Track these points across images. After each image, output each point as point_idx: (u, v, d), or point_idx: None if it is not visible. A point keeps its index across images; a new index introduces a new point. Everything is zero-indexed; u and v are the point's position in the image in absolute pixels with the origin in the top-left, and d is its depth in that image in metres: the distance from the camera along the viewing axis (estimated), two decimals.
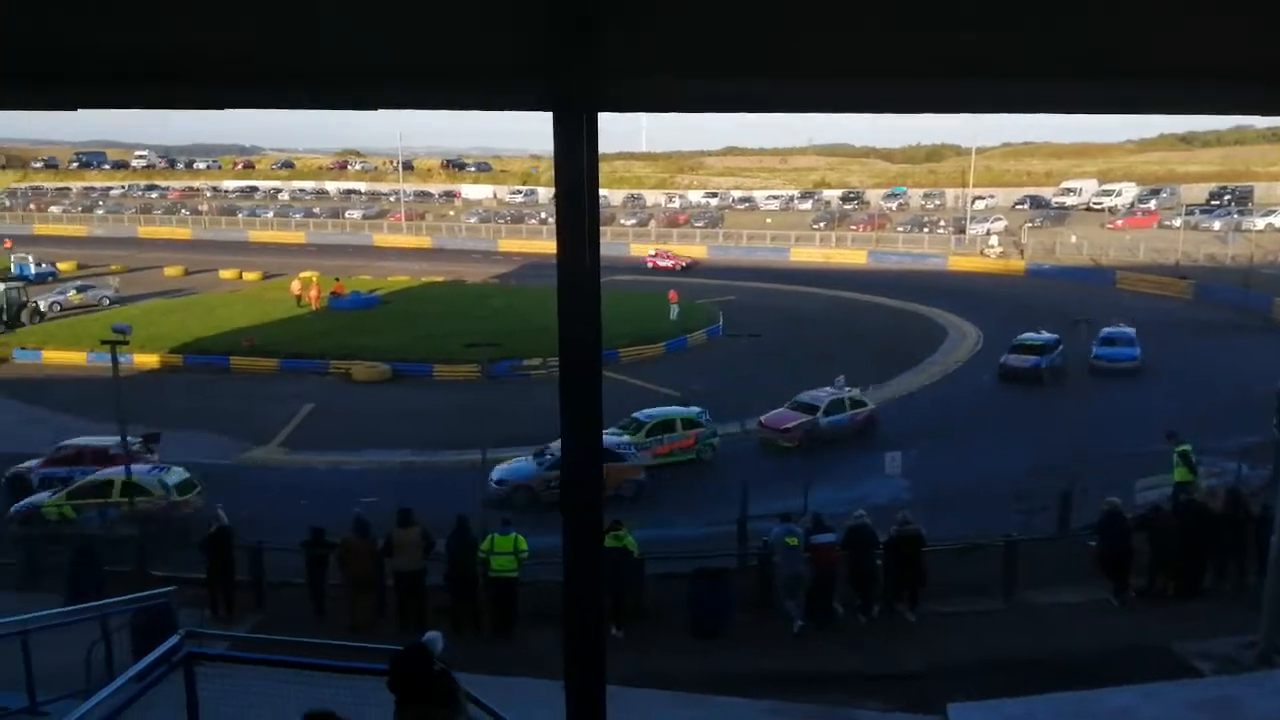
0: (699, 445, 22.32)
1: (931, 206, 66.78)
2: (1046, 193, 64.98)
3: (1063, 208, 61.73)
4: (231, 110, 2.03)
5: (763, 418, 23.59)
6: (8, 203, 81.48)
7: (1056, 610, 13.23)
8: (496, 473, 19.74)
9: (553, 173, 1.65)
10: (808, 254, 58.70)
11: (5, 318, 36.48)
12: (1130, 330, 29.73)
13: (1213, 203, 56.75)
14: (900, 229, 61.39)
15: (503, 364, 27.90)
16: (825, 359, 30.94)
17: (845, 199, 70.79)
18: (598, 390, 1.75)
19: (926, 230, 60.50)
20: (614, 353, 30.90)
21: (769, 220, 66.06)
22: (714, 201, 72.87)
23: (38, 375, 30.65)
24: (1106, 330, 28.81)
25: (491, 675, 9.59)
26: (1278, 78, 1.56)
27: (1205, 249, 48.43)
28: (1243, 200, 56.16)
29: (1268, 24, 1.47)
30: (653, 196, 76.29)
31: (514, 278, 51.93)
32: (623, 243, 60.74)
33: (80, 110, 1.97)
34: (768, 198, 72.38)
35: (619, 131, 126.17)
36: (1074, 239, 53.22)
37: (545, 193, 75.47)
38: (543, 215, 68.89)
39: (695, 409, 23.05)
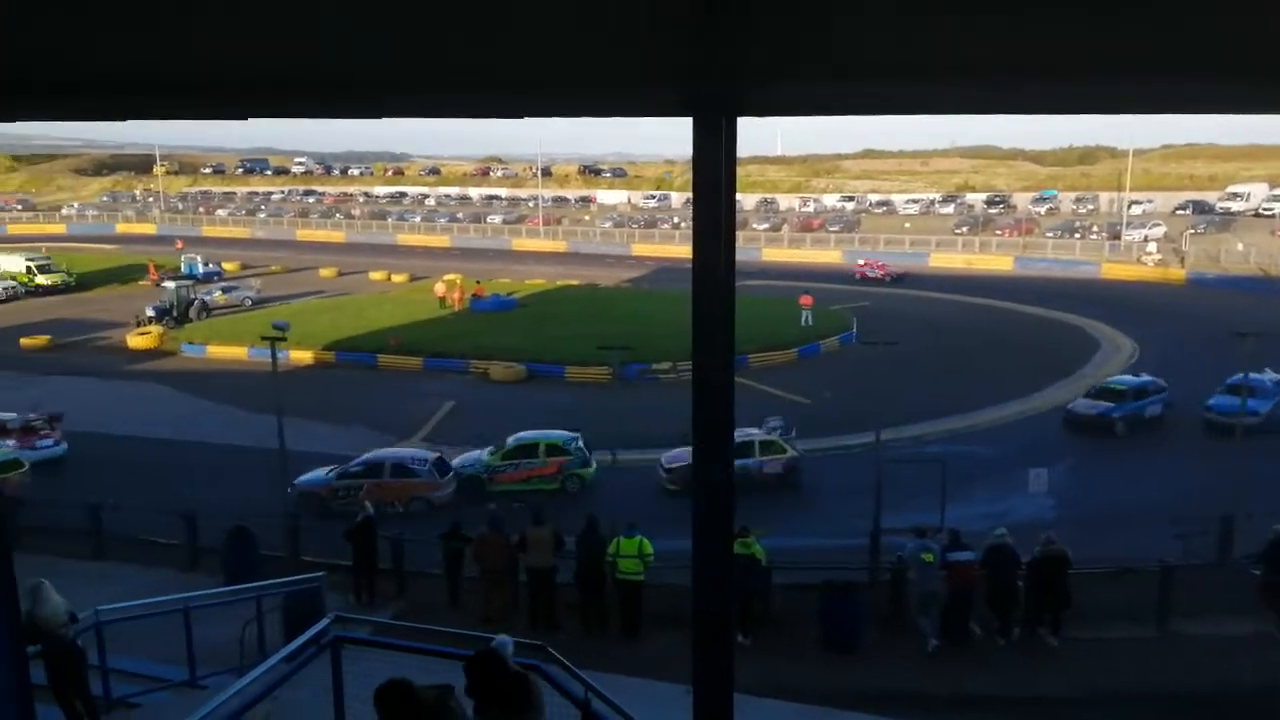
0: (563, 474, 20.72)
1: (1084, 211, 63.47)
2: (1210, 197, 60.62)
3: (1228, 213, 57.41)
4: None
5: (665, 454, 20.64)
6: (180, 206, 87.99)
7: (1215, 642, 12.32)
8: (299, 480, 19.66)
9: (686, 178, 1.65)
10: (948, 259, 56.86)
11: (175, 314, 39.37)
12: (1273, 378, 24.10)
13: None
14: (1049, 234, 58.66)
15: (633, 367, 28.17)
16: (965, 369, 29.97)
17: (990, 203, 68.14)
18: (730, 395, 1.75)
19: (1078, 236, 57.58)
20: (744, 358, 30.75)
21: (907, 225, 64.33)
22: (850, 206, 71.50)
23: (203, 369, 32.93)
24: (1234, 378, 21.22)
25: (618, 675, 9.73)
26: None
27: None
28: None
29: None
30: (786, 201, 75.52)
31: (646, 281, 52.39)
32: (754, 247, 60.38)
33: (249, 120, 2.12)
34: (906, 201, 70.49)
35: (753, 136, 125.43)
36: (1240, 247, 49.52)
37: (678, 198, 75.86)
38: (675, 220, 69.26)
39: (567, 435, 21.19)
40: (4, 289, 45.34)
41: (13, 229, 74.88)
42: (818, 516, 19.19)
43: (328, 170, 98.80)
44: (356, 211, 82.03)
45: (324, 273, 54.44)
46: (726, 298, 1.70)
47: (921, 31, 1.50)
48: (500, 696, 5.16)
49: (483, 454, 21.01)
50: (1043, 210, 64.53)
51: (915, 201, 70.22)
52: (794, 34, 1.54)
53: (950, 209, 67.93)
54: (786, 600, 13.48)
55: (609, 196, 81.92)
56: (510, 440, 21.14)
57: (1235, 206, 58.04)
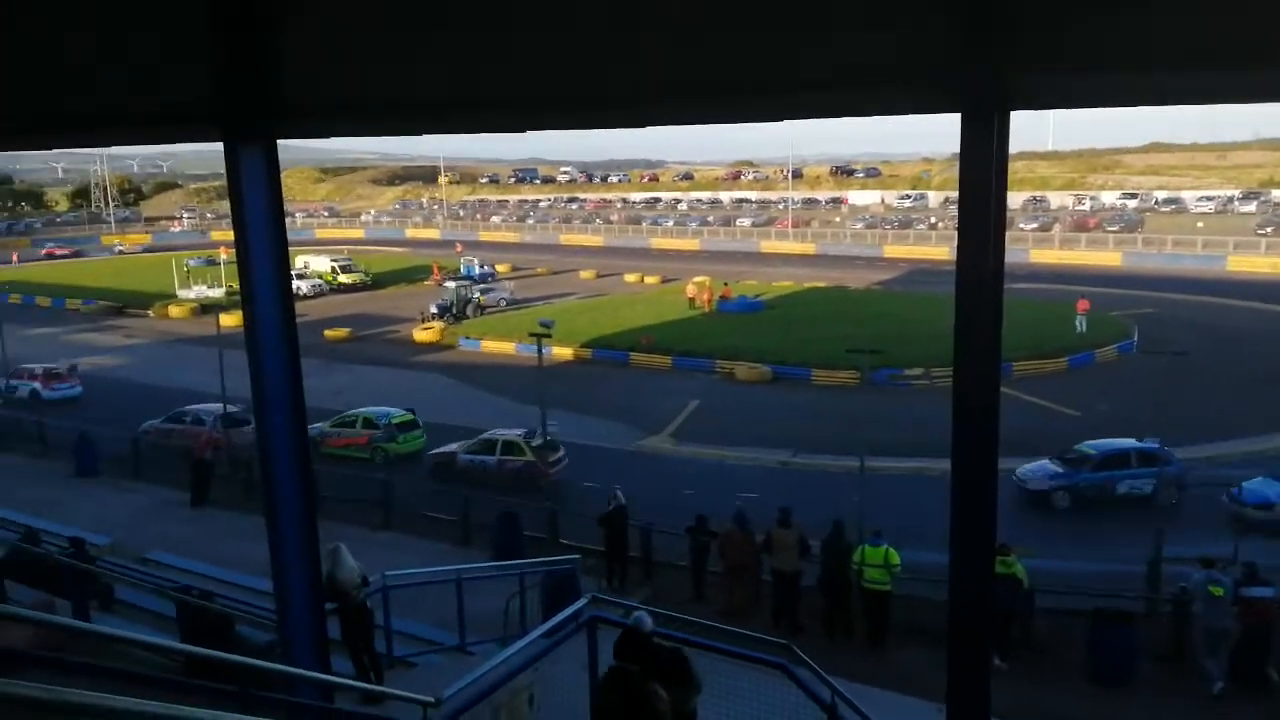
0: (371, 446, 23.21)
1: None
2: None
3: None
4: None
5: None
6: (460, 213, 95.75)
7: None
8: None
9: (946, 175, 1.61)
10: (1250, 263, 50.62)
11: (454, 311, 42.96)
12: None
13: None
14: None
15: (883, 371, 27.40)
16: (1268, 384, 26.56)
17: None
18: (995, 403, 1.69)
19: None
20: (1008, 366, 29.01)
21: (1200, 225, 57.87)
22: (1132, 203, 65.41)
23: (478, 361, 35.73)
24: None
25: (863, 684, 9.57)
26: None
27: None
28: None
29: None
30: (1058, 198, 70.24)
31: (898, 284, 50.70)
32: (1021, 248, 56.66)
33: (528, 132, 2.37)
34: (1199, 199, 63.49)
35: (1020, 128, 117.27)
36: None
37: (935, 197, 72.66)
38: (932, 220, 66.44)
39: (383, 411, 23.91)
40: (312, 286, 51.37)
41: (320, 233, 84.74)
42: (1090, 539, 17.80)
43: (589, 178, 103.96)
44: (614, 217, 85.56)
45: (584, 274, 57.19)
46: (993, 303, 1.65)
47: (1215, 14, 1.41)
48: (657, 670, 5.32)
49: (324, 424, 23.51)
50: None
51: (1210, 199, 63.03)
52: (1069, 19, 1.48)
53: (1252, 207, 60.38)
54: (1050, 625, 12.64)
55: (861, 197, 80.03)
56: (346, 414, 24.23)
57: None
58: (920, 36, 1.51)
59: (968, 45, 1.49)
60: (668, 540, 15.56)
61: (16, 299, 50.17)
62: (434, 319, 41.43)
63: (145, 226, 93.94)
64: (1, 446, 24.53)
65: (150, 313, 48.03)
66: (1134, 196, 66.82)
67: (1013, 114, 1.56)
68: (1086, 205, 67.61)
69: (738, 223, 76.71)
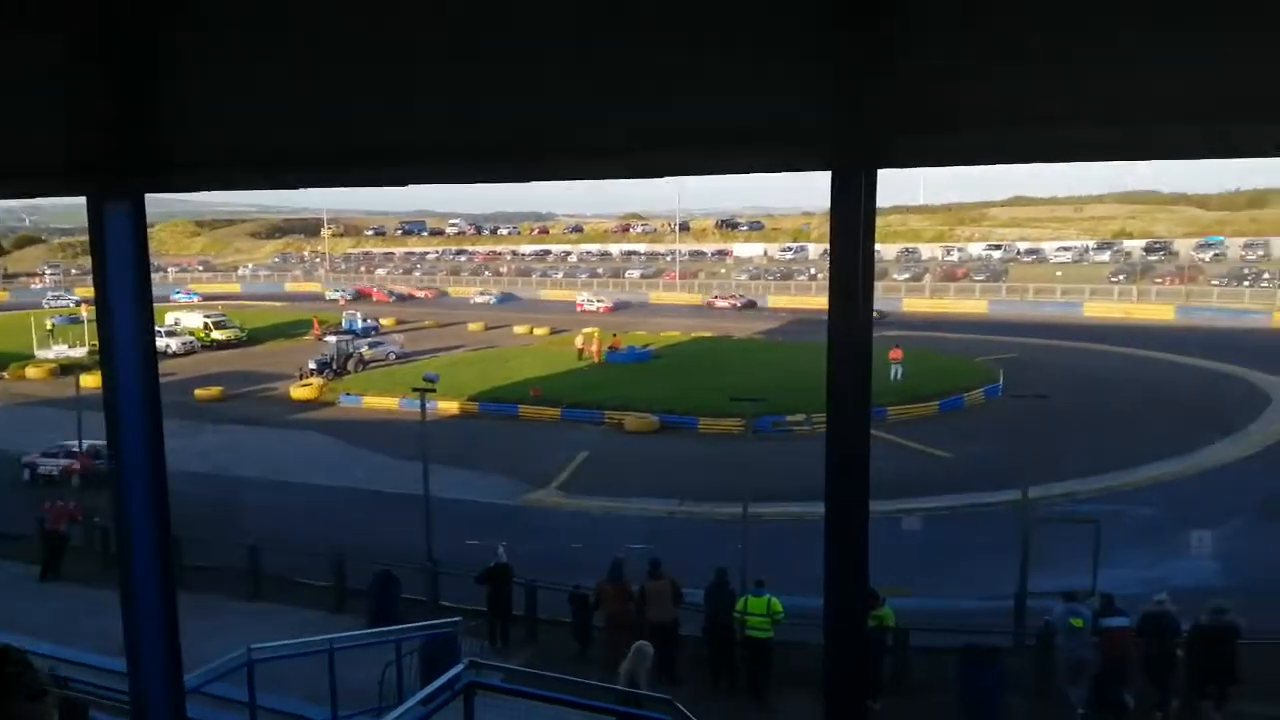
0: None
1: (1254, 257, 59.11)
2: None
3: None
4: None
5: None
6: (343, 265, 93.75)
7: None
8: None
9: (824, 229, 1.70)
10: (1104, 309, 54.06)
11: (335, 366, 41.85)
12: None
13: None
14: (1215, 282, 54.91)
15: (766, 419, 27.95)
16: (1122, 423, 28.26)
17: (1149, 250, 64.43)
18: (865, 447, 1.74)
19: (1247, 284, 53.64)
20: (881, 410, 30.02)
21: (1059, 273, 61.59)
22: (997, 254, 69.14)
23: (358, 417, 34.75)
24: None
25: None
26: None
27: None
28: None
29: None
30: (929, 250, 73.72)
31: (780, 334, 52.03)
32: (895, 298, 59.14)
33: (409, 186, 2.35)
34: (1058, 249, 67.57)
35: (894, 184, 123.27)
36: None
37: (815, 249, 75.21)
38: (812, 271, 68.65)
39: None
40: (183, 343, 49.24)
41: (194, 287, 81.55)
42: (958, 578, 18.40)
43: (479, 230, 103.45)
44: (504, 269, 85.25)
45: (472, 327, 56.65)
46: (863, 351, 1.69)
47: (1065, 78, 1.51)
48: None
49: None
50: (1207, 257, 60.56)
51: (1067, 249, 67.23)
52: (930, 85, 1.56)
53: (1106, 256, 64.67)
54: (921, 664, 12.97)
55: (745, 249, 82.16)
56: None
57: None
58: (791, 102, 1.63)
59: (836, 111, 1.60)
60: (555, 597, 15.35)
61: None
62: (313, 375, 40.24)
63: (4, 283, 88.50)
64: None
65: (4, 374, 45.08)
66: (999, 248, 70.64)
67: (880, 171, 1.67)
68: (955, 256, 71.07)
69: (627, 274, 77.58)
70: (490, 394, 35.91)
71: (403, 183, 2.25)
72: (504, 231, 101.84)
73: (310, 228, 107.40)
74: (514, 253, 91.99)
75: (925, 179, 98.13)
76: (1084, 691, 11.85)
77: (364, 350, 44.50)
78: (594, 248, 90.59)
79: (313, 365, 41.19)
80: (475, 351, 47.84)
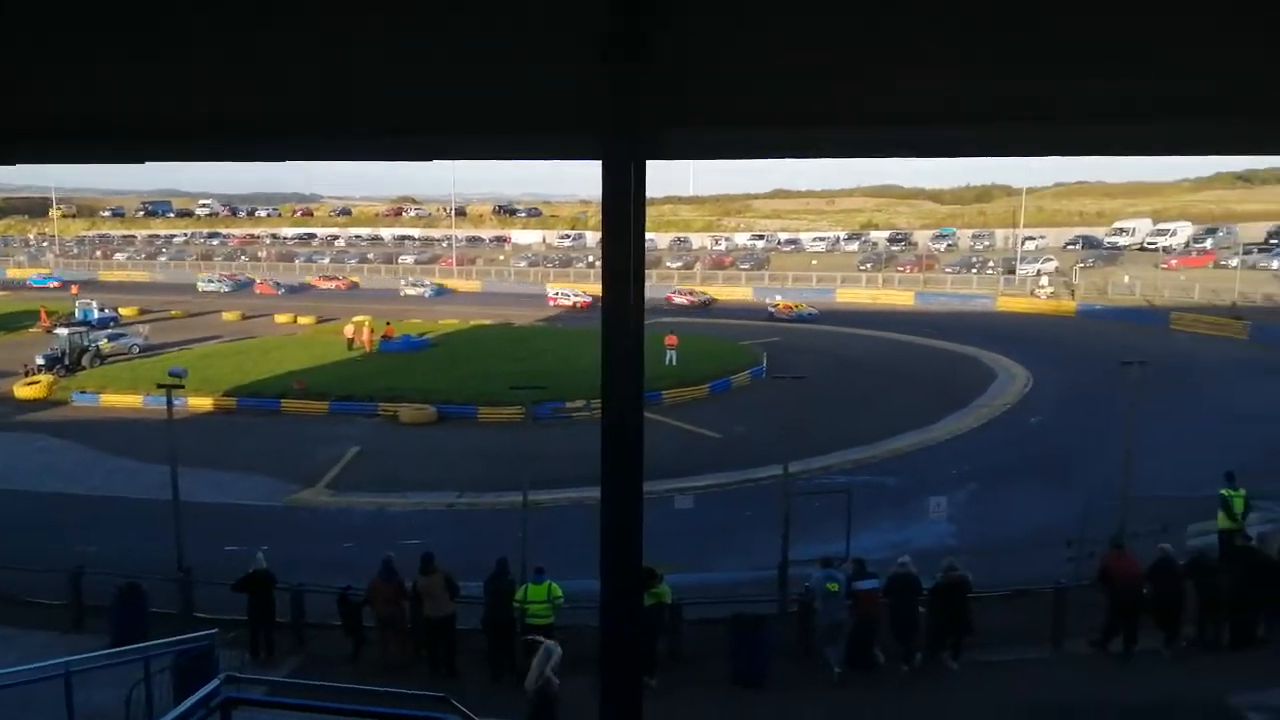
0: None
1: (981, 247, 66.20)
2: (1099, 233, 64.10)
3: (1115, 248, 60.72)
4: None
5: None
6: (75, 250, 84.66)
7: (1106, 659, 12.80)
8: None
9: (600, 218, 1.70)
10: (854, 295, 58.48)
11: (68, 362, 37.65)
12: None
13: (1271, 241, 55.30)
14: (949, 270, 60.83)
15: (546, 406, 28.03)
16: (870, 401, 30.70)
17: (893, 240, 70.51)
18: (639, 432, 1.76)
19: (975, 271, 59.88)
20: (657, 394, 30.92)
21: (815, 262, 65.96)
22: (760, 244, 73.02)
23: (95, 417, 31.49)
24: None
25: None
26: None
27: (1264, 289, 47.15)
28: None
29: None
30: (699, 240, 76.69)
31: (560, 321, 52.38)
32: (668, 286, 61.11)
33: (148, 163, 2.11)
34: (814, 239, 72.39)
35: (666, 176, 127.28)
36: (1127, 279, 52.19)
37: (593, 237, 76.26)
38: (590, 259, 69.55)
39: None
40: None
41: None
42: (728, 551, 19.30)
43: (234, 212, 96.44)
44: (263, 254, 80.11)
45: (227, 316, 52.89)
46: (636, 335, 1.73)
47: (825, 77, 1.59)
48: None
49: None
50: (942, 247, 67.02)
51: (822, 239, 72.13)
52: (696, 82, 1.62)
53: (855, 246, 69.95)
54: (695, 636, 13.47)
55: (524, 236, 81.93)
56: None
57: (1122, 241, 61.48)
58: (564, 93, 1.66)
59: (603, 101, 1.63)
60: (325, 600, 14.61)
61: None
62: (40, 371, 36.05)
63: None
64: None
65: None
66: (761, 238, 74.66)
67: (650, 163, 1.70)
68: (722, 245, 74.40)
69: (400, 260, 75.17)
70: (249, 388, 33.65)
71: (138, 159, 2.05)
72: (263, 214, 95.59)
73: (36, 207, 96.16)
74: (274, 236, 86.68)
75: (695, 170, 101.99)
76: (840, 651, 12.76)
77: (102, 343, 40.34)
78: (364, 231, 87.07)
79: (40, 361, 36.88)
80: (232, 343, 44.68)
